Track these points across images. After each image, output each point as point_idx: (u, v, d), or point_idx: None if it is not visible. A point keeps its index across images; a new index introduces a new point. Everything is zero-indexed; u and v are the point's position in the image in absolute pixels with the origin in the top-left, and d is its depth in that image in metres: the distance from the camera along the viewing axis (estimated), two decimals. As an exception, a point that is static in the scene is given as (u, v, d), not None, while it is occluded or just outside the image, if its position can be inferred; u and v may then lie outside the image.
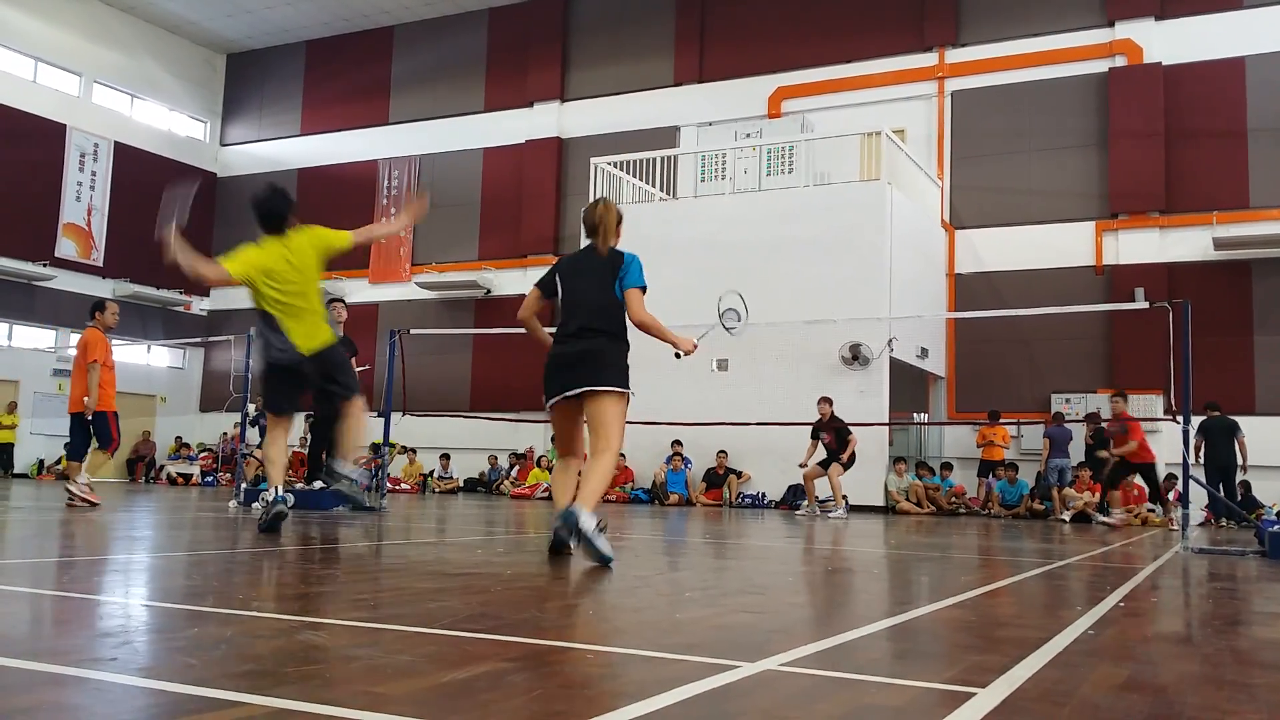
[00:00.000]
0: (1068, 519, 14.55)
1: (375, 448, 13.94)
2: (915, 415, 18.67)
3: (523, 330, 5.82)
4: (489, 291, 22.68)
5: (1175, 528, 11.90)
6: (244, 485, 11.03)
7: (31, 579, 4.02)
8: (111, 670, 2.23)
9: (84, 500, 9.23)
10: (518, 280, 22.19)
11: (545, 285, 5.55)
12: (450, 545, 6.56)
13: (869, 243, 15.68)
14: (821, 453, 13.71)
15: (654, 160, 18.58)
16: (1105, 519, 13.45)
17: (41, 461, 22.40)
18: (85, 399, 9.43)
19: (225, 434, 22.53)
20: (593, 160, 18.43)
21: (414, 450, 20.57)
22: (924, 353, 17.20)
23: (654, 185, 18.41)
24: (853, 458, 13.60)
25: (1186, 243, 17.20)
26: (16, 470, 21.55)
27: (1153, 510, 14.82)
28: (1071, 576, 5.72)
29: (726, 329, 7.05)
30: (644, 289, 5.43)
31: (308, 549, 5.83)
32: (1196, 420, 14.47)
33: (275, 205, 6.47)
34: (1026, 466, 16.64)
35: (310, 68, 25.84)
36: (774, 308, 15.37)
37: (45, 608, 3.31)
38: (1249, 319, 16.73)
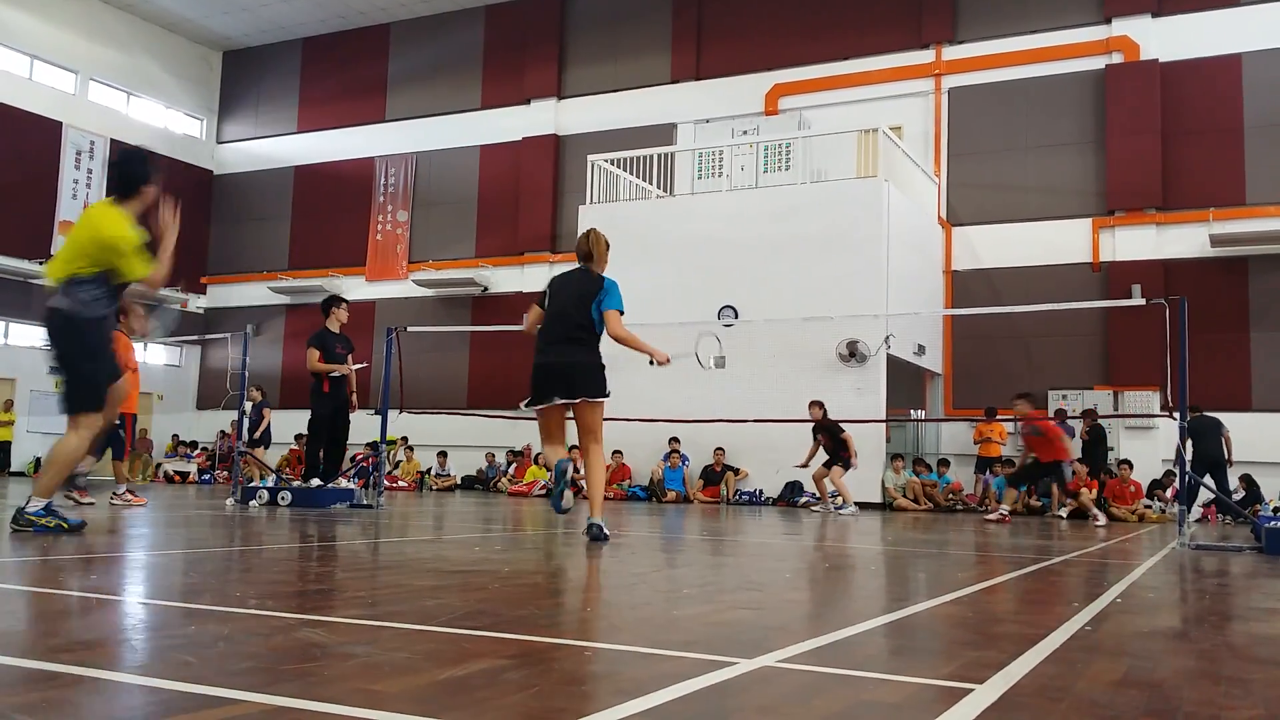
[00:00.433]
0: (1065, 515, 14.57)
1: (374, 445, 13.94)
2: (912, 412, 18.68)
3: (520, 328, 6.70)
4: (486, 289, 22.67)
5: (1101, 524, 11.97)
6: (241, 483, 11.02)
7: (29, 577, 4.01)
8: (109, 668, 2.23)
9: (129, 502, 9.46)
10: (515, 277, 22.19)
11: (542, 302, 6.62)
12: (448, 542, 6.56)
13: (866, 240, 15.69)
14: (823, 453, 13.82)
15: (651, 157, 18.58)
16: (1097, 519, 13.44)
17: (38, 460, 22.38)
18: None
19: (222, 432, 22.52)
20: (590, 157, 18.42)
21: (411, 447, 20.58)
22: (921, 349, 17.21)
23: (651, 182, 18.41)
24: (847, 460, 13.71)
25: (1183, 239, 17.22)
26: (13, 469, 21.52)
27: (1150, 506, 14.86)
28: (1068, 572, 5.73)
29: (701, 365, 7.74)
30: (621, 311, 6.42)
31: (305, 546, 5.83)
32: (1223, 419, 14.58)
33: (124, 170, 6.01)
34: (1023, 463, 16.65)
35: (307, 65, 25.80)
36: (771, 305, 15.44)
37: (42, 605, 3.31)
38: (1245, 315, 16.75)
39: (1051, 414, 16.44)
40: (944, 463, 17.01)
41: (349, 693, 2.04)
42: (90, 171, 23.69)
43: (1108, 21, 18.16)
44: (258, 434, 16.61)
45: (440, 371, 21.39)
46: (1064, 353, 17.65)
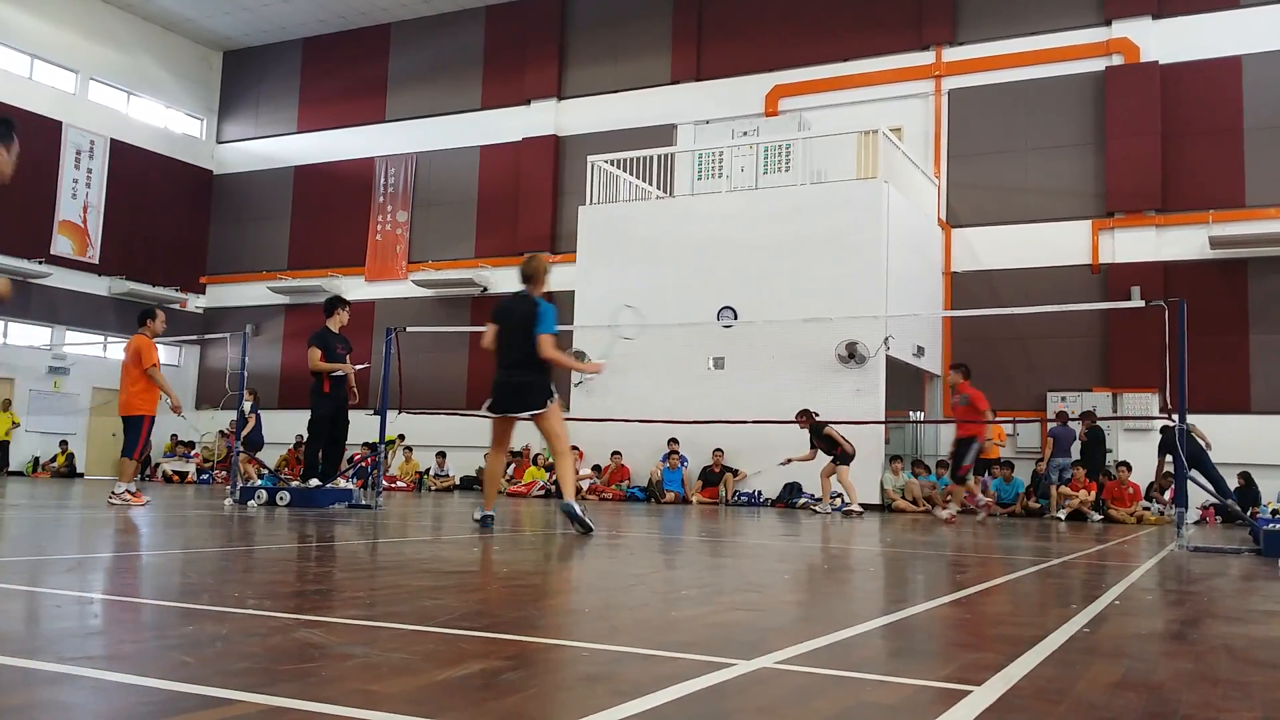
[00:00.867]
0: (1063, 517, 14.58)
1: (372, 447, 13.94)
2: (911, 413, 18.68)
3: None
4: (485, 289, 22.66)
5: (983, 516, 12.06)
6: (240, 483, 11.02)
7: (28, 576, 4.01)
8: (106, 668, 2.23)
9: (124, 500, 9.61)
10: (514, 278, 22.03)
11: (493, 320, 7.68)
12: (446, 543, 6.56)
13: (866, 241, 15.69)
14: (823, 455, 13.90)
15: (651, 158, 18.58)
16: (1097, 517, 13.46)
17: (37, 459, 22.38)
18: (161, 399, 10.05)
19: (221, 432, 22.51)
20: (589, 158, 18.42)
21: (409, 447, 20.57)
22: (920, 351, 17.21)
23: (651, 183, 18.42)
24: (844, 453, 13.77)
25: (1182, 241, 17.22)
26: (12, 468, 21.51)
27: (1148, 508, 14.85)
28: (1067, 574, 5.72)
29: (627, 339, 8.57)
30: (555, 335, 7.43)
31: (303, 547, 5.83)
32: (1192, 419, 14.53)
33: None
34: (1022, 465, 16.67)
35: (307, 65, 25.80)
36: (770, 306, 15.44)
37: (41, 605, 3.30)
38: (1244, 318, 16.75)
39: (1051, 415, 16.47)
40: (943, 464, 17.00)
41: (347, 693, 2.04)
42: (90, 171, 23.69)
43: (1108, 23, 18.16)
44: (244, 434, 16.57)
45: (439, 372, 21.38)
46: (1063, 354, 17.66)
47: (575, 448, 17.88)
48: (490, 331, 7.67)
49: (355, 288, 23.51)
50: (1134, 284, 16.86)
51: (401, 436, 20.34)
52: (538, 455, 19.49)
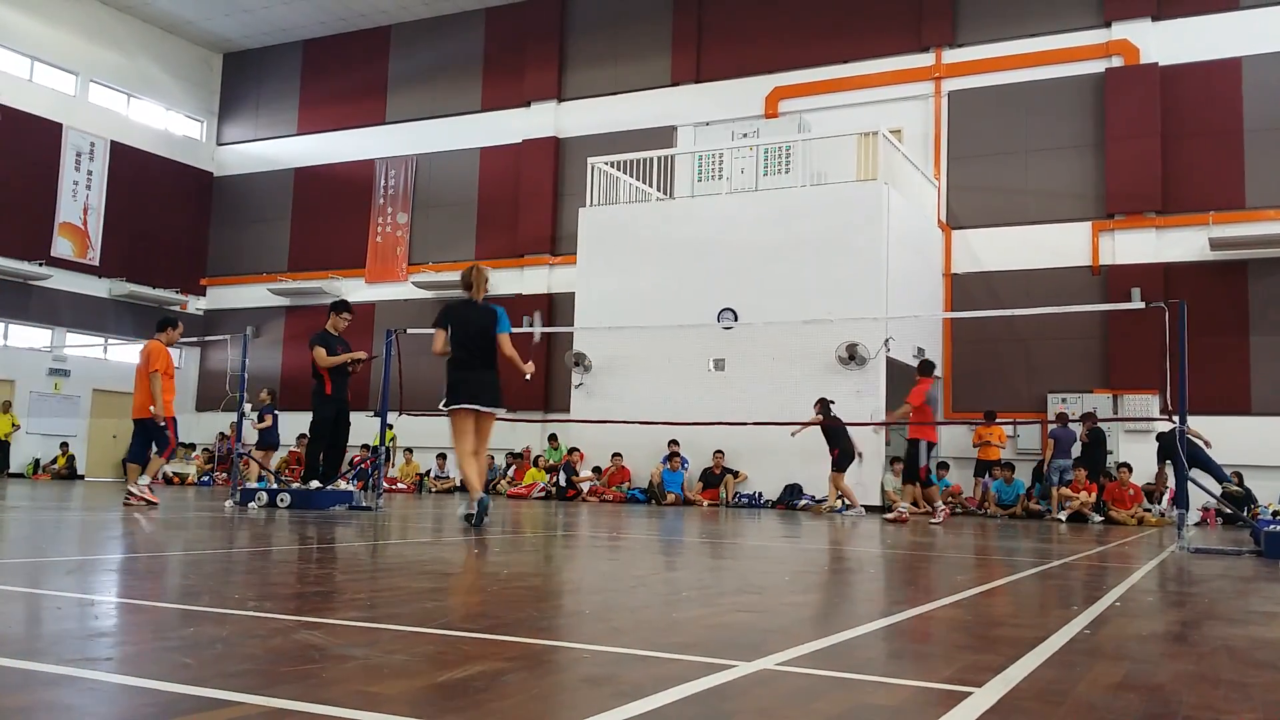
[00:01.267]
0: (1064, 519, 14.58)
1: (373, 449, 13.93)
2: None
3: (519, 329, 7.54)
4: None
5: (937, 520, 12.03)
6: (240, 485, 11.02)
7: (28, 578, 4.01)
8: (107, 670, 2.23)
9: (142, 499, 9.90)
10: (514, 280, 22.17)
11: (443, 326, 8.17)
12: (447, 545, 6.56)
13: (866, 243, 15.70)
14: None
15: (651, 160, 18.59)
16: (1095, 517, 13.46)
17: (37, 461, 22.38)
18: (150, 406, 10.13)
19: (222, 434, 22.51)
20: (589, 160, 18.44)
21: (410, 450, 20.57)
22: (920, 352, 17.19)
23: (651, 185, 18.42)
24: (843, 456, 13.77)
25: (1183, 243, 17.22)
26: (12, 470, 21.51)
27: (1149, 510, 14.85)
28: (1068, 576, 5.72)
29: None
30: (510, 334, 8.19)
31: (304, 548, 5.83)
32: (1192, 420, 14.51)
33: None
34: (1022, 466, 16.66)
35: (307, 67, 25.81)
36: (771, 307, 15.46)
37: (41, 607, 3.30)
38: (1245, 319, 16.75)
39: (1052, 417, 16.47)
40: (943, 465, 17.00)
41: (348, 695, 2.04)
42: (90, 173, 23.70)
43: (1107, 25, 18.17)
44: (260, 433, 16.57)
45: (440, 373, 21.25)
46: (1063, 356, 17.66)
47: (576, 449, 18.05)
48: (441, 337, 8.14)
49: (355, 289, 23.51)
50: (1134, 285, 16.86)
51: (391, 427, 20.19)
52: (539, 457, 19.50)
